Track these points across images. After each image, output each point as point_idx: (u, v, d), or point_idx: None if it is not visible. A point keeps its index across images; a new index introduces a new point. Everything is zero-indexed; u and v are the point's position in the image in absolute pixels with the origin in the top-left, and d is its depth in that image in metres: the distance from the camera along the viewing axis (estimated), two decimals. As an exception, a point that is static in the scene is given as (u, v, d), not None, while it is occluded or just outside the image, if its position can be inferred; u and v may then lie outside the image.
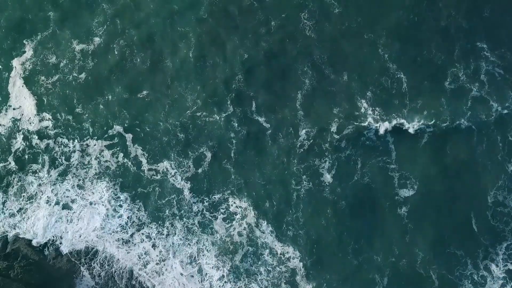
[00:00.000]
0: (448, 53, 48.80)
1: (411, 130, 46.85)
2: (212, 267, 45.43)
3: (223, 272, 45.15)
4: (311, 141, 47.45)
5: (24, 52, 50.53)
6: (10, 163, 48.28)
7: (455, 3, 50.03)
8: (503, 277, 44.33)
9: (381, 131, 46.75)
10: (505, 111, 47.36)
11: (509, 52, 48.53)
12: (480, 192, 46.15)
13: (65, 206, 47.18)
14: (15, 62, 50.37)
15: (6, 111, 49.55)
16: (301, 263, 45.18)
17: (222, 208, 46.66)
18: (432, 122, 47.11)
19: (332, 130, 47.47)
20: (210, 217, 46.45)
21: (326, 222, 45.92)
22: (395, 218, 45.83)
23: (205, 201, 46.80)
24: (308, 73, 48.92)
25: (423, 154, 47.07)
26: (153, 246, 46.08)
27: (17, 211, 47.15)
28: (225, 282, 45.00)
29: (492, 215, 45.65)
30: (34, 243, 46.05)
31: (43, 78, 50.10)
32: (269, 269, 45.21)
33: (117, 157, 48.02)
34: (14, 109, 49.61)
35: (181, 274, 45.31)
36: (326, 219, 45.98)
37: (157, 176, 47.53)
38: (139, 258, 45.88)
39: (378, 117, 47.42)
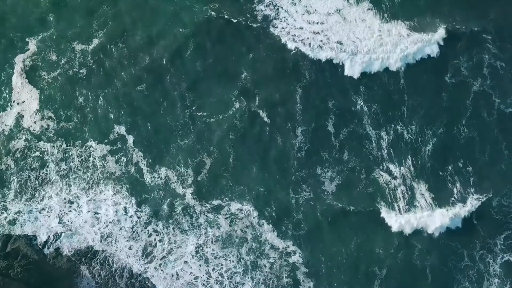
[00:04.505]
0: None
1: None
2: (219, 257, 45.62)
3: (231, 263, 45.35)
4: (309, 144, 47.25)
5: (28, 49, 50.68)
6: (11, 162, 48.47)
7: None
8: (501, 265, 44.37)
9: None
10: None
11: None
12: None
13: (68, 206, 47.21)
14: (18, 59, 50.57)
15: (9, 109, 49.61)
16: (302, 259, 45.18)
17: (223, 210, 46.58)
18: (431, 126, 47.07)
19: (330, 130, 47.38)
20: (213, 217, 46.40)
21: (326, 220, 46.02)
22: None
23: (206, 203, 46.69)
24: (306, 67, 48.83)
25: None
26: (160, 240, 46.15)
27: (18, 210, 47.34)
28: (232, 273, 45.24)
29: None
30: (35, 241, 46.26)
31: (44, 73, 50.22)
32: (271, 262, 45.25)
33: (118, 160, 48.11)
34: (18, 103, 49.65)
35: (186, 262, 45.63)
36: (326, 218, 46.06)
37: (160, 180, 47.49)
38: (145, 253, 45.91)
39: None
